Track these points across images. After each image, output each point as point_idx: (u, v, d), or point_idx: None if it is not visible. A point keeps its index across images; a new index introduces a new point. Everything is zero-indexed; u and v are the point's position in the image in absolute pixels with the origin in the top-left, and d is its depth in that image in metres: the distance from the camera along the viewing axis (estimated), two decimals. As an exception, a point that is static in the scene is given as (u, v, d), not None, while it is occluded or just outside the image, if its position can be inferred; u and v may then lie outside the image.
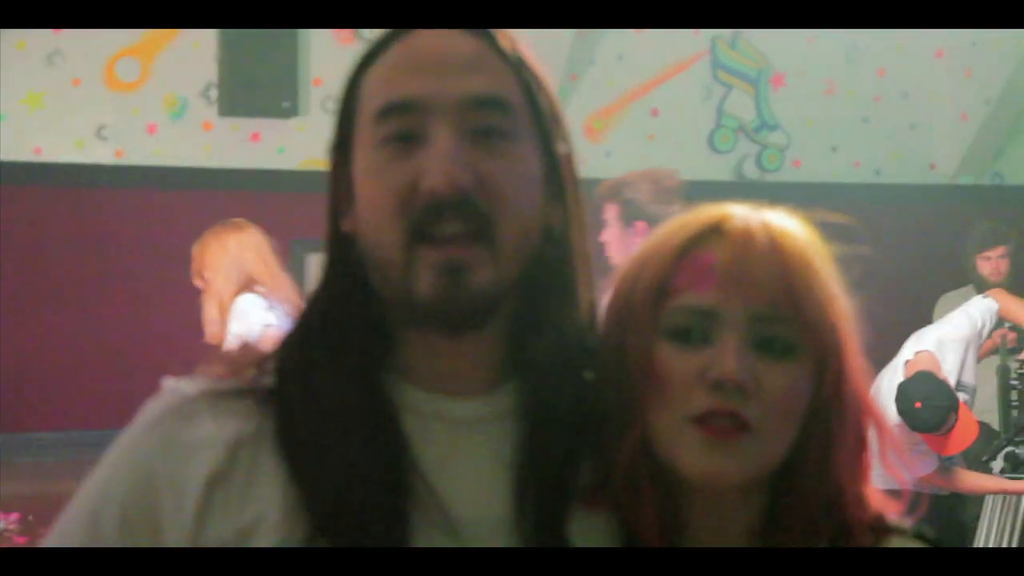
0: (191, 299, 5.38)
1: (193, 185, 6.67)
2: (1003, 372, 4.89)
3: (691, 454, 1.07)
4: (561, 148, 1.11)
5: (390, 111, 1.06)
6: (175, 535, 1.04)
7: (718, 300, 1.08)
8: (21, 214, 6.56)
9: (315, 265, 5.40)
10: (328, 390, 1.08)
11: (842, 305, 1.13)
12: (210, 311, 4.78)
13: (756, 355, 1.07)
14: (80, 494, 1.10)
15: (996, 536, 4.49)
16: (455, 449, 1.09)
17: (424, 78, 1.05)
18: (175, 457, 1.06)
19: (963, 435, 4.21)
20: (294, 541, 1.03)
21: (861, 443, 1.14)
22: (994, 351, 5.03)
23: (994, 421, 4.92)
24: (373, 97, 1.08)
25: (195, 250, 4.90)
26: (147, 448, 1.07)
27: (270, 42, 6.95)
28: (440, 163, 1.02)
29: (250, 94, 6.93)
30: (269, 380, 1.10)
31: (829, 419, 1.11)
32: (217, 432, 1.06)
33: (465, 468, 1.09)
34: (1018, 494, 4.46)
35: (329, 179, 1.13)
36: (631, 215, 3.92)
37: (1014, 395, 4.74)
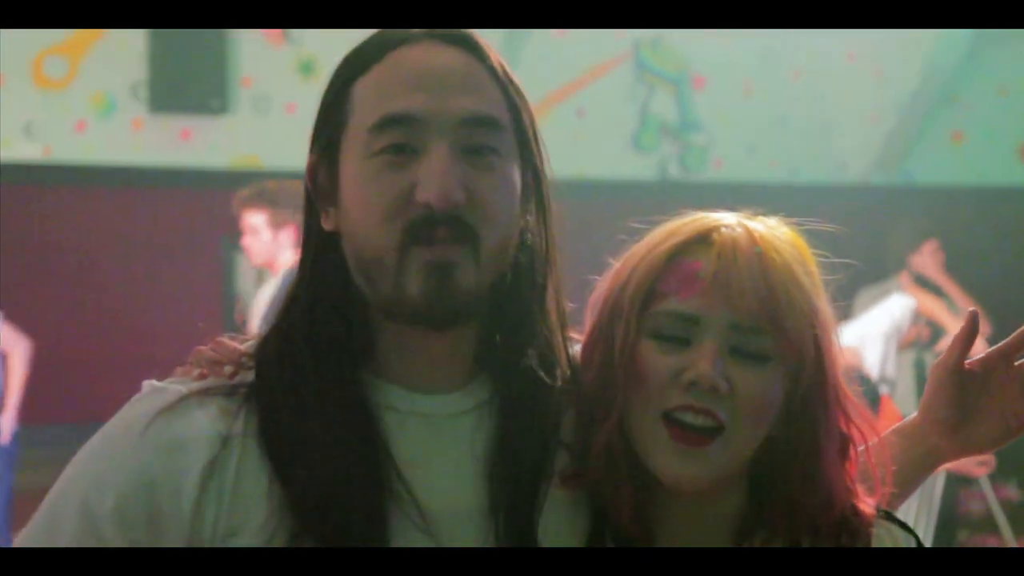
0: (121, 295, 5.40)
1: (123, 183, 6.66)
2: (919, 366, 5.09)
3: (661, 457, 1.12)
4: (539, 164, 1.17)
5: (388, 123, 1.09)
6: (174, 528, 1.07)
7: (700, 307, 1.13)
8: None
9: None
10: (307, 388, 1.10)
11: (823, 315, 1.16)
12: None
13: (732, 360, 1.12)
14: (63, 487, 1.11)
15: (912, 519, 4.68)
16: (431, 443, 1.12)
17: (421, 94, 1.09)
18: (171, 454, 1.07)
19: (886, 427, 4.37)
20: (279, 540, 1.06)
21: (844, 437, 1.18)
22: (911, 346, 5.23)
23: (913, 412, 5.10)
24: (368, 108, 1.11)
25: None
26: (141, 445, 1.08)
27: (199, 40, 6.95)
28: (436, 178, 1.07)
29: (179, 91, 6.93)
30: (249, 378, 1.12)
31: (811, 418, 1.15)
32: (209, 428, 1.08)
33: (442, 462, 1.12)
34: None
35: (309, 179, 1.15)
36: (280, 220, 4.15)
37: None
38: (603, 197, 6.34)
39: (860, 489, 1.19)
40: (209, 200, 6.09)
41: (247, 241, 4.25)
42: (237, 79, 7.17)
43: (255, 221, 4.19)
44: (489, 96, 1.12)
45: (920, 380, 5.10)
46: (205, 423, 1.09)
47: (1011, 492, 6.35)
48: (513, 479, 1.13)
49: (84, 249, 6.73)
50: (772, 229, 1.18)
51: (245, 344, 1.17)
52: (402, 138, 1.09)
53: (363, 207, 1.10)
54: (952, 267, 5.65)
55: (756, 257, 1.14)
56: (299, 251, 1.18)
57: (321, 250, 1.15)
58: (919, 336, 5.15)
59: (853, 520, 1.17)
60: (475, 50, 1.14)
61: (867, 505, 1.19)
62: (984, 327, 1.41)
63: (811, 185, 8.07)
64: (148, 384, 1.15)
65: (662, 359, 1.13)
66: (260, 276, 4.70)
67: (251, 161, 7.26)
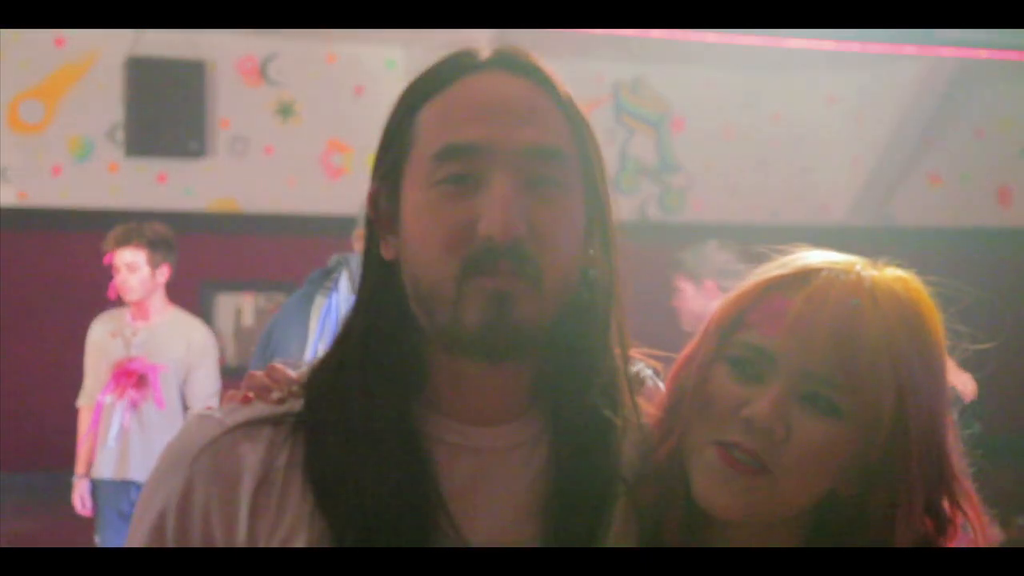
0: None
1: (99, 227, 6.62)
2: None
3: (703, 478, 1.10)
4: (605, 197, 1.15)
5: (451, 153, 1.07)
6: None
7: (777, 347, 1.09)
8: (-80, 256, 6.44)
9: (225, 307, 5.44)
10: (359, 420, 1.09)
11: (916, 383, 1.10)
12: None
13: (800, 405, 1.08)
14: (132, 531, 1.12)
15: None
16: (482, 476, 1.11)
17: (486, 124, 1.08)
18: (219, 486, 1.07)
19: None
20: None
21: (938, 521, 1.12)
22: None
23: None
24: (432, 137, 1.09)
25: None
26: (191, 479, 1.08)
27: (176, 83, 6.94)
28: (499, 210, 1.05)
29: (157, 134, 6.91)
30: (298, 406, 1.12)
31: (882, 488, 1.11)
32: (254, 460, 1.08)
33: (492, 495, 1.11)
34: None
35: (370, 207, 1.14)
36: (157, 260, 4.29)
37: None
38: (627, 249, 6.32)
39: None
40: (187, 244, 6.03)
41: (121, 278, 4.31)
42: (215, 121, 7.15)
43: (134, 258, 4.26)
44: (554, 127, 1.11)
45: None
46: (251, 455, 1.08)
47: (992, 531, 6.31)
48: (570, 514, 1.10)
49: (61, 294, 6.66)
50: (894, 283, 1.13)
51: (298, 371, 1.16)
52: (465, 168, 1.07)
53: (423, 237, 1.08)
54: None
55: (849, 309, 1.10)
56: (360, 279, 1.17)
57: (381, 278, 1.14)
58: None
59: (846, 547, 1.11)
60: (542, 80, 1.12)
61: None
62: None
63: (792, 226, 8.10)
64: (193, 414, 1.14)
65: (730, 387, 1.11)
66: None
67: (228, 204, 7.22)
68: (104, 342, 4.43)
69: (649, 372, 1.25)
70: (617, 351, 1.16)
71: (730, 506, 1.09)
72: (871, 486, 1.11)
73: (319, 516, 1.07)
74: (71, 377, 5.98)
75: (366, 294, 1.15)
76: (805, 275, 1.13)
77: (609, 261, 1.16)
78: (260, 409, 1.13)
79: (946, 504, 1.13)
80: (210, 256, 6.97)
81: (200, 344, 4.38)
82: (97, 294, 5.14)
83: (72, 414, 4.61)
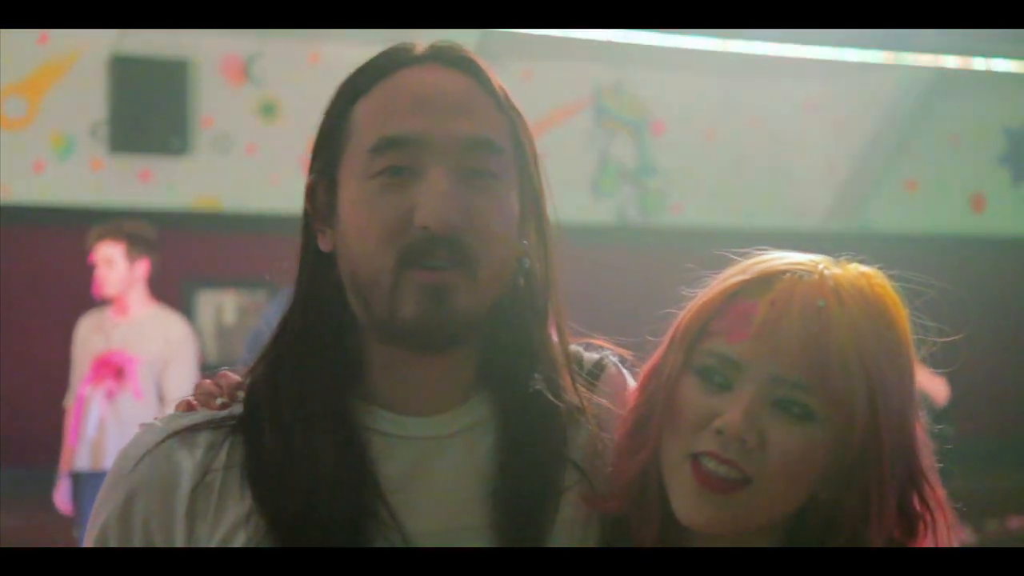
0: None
1: (82, 223, 6.63)
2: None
3: (681, 494, 1.08)
4: (539, 188, 1.16)
5: (387, 145, 1.08)
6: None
7: (744, 353, 1.07)
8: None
9: (206, 304, 5.50)
10: (293, 415, 1.09)
11: (887, 382, 1.08)
12: None
13: (772, 413, 1.06)
14: (87, 537, 1.13)
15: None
16: (424, 465, 1.11)
17: (422, 117, 1.08)
18: (157, 493, 1.09)
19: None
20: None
21: (908, 521, 1.11)
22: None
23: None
24: (368, 130, 1.10)
25: None
26: (131, 490, 1.10)
27: (160, 80, 6.95)
28: (435, 201, 1.06)
29: (140, 132, 6.91)
30: (239, 409, 1.12)
31: (863, 486, 1.08)
32: (191, 465, 1.09)
33: (435, 482, 1.11)
34: None
35: (307, 199, 1.14)
36: (135, 255, 4.36)
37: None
38: (563, 241, 6.37)
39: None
40: (169, 242, 6.06)
41: (100, 273, 4.38)
42: (197, 119, 7.17)
43: (111, 253, 4.36)
44: (489, 120, 1.12)
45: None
46: (187, 461, 1.10)
47: (966, 536, 6.42)
48: (518, 498, 1.11)
49: (42, 290, 6.67)
50: (858, 280, 1.11)
51: (244, 377, 1.16)
52: (401, 160, 1.08)
53: (360, 228, 1.09)
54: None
55: (816, 310, 1.07)
56: (296, 272, 1.16)
57: (317, 271, 1.14)
58: None
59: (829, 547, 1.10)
60: (477, 73, 1.13)
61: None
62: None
63: (769, 231, 8.14)
64: (143, 424, 1.15)
65: (699, 398, 1.09)
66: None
67: (211, 202, 7.25)
68: (87, 339, 4.48)
69: (613, 359, 1.24)
70: (555, 338, 1.17)
71: (711, 521, 1.08)
72: (847, 488, 1.09)
73: (256, 514, 1.07)
74: (53, 372, 5.99)
75: (303, 287, 1.15)
76: (768, 278, 1.10)
77: (544, 250, 1.17)
78: (200, 415, 1.13)
79: (916, 502, 1.11)
80: (192, 254, 6.99)
81: (178, 339, 4.42)
82: (79, 290, 5.16)
83: (54, 408, 4.63)
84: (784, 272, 1.10)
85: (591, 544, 1.14)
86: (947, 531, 1.13)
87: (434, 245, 1.07)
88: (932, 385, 4.91)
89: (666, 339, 1.15)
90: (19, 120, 6.80)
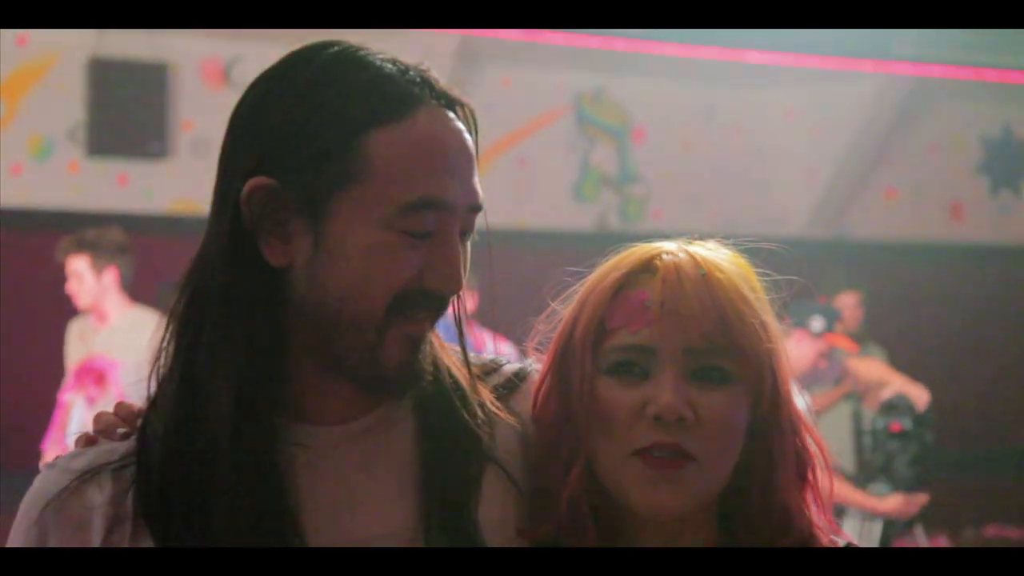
0: (54, 340, 5.31)
1: (59, 227, 6.58)
2: (856, 418, 5.23)
3: (636, 488, 1.10)
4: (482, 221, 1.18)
5: (425, 206, 1.07)
6: None
7: (653, 337, 1.11)
8: None
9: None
10: (202, 442, 1.05)
11: (773, 331, 1.15)
12: None
13: (694, 384, 1.11)
14: None
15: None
16: (345, 471, 1.11)
17: (452, 179, 1.09)
18: (69, 536, 1.07)
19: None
20: None
21: (801, 460, 1.16)
22: (846, 398, 5.33)
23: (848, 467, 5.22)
24: (397, 181, 1.07)
25: None
26: (42, 534, 1.08)
27: (139, 83, 6.90)
28: (451, 267, 1.09)
29: (118, 135, 6.87)
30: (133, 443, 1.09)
31: (769, 439, 1.14)
32: (100, 503, 1.07)
33: (356, 488, 1.10)
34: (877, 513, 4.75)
35: (250, 200, 1.07)
36: (101, 265, 4.44)
37: (867, 439, 5.04)
38: (543, 247, 6.37)
39: (817, 514, 1.16)
40: (146, 246, 6.02)
41: (72, 287, 4.39)
42: (177, 123, 7.13)
43: (78, 266, 4.36)
44: (476, 178, 1.14)
45: (858, 433, 5.21)
46: (98, 497, 1.07)
47: (943, 542, 6.45)
48: (440, 499, 1.11)
49: (19, 294, 6.61)
50: (713, 251, 1.19)
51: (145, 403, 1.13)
52: (431, 224, 1.09)
53: (367, 273, 1.07)
54: (883, 321, 5.75)
55: (701, 280, 1.14)
56: (212, 274, 1.09)
57: (252, 282, 1.08)
58: (818, 368, 5.16)
59: (811, 547, 1.13)
60: (472, 126, 1.14)
61: (824, 534, 1.16)
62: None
63: (748, 238, 8.14)
64: (44, 465, 1.13)
65: (623, 394, 1.11)
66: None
67: (190, 206, 7.20)
68: (74, 345, 4.50)
69: (536, 367, 1.24)
70: (458, 338, 1.19)
71: (670, 502, 1.10)
72: (755, 442, 1.14)
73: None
74: (29, 376, 5.94)
75: (231, 292, 1.08)
76: (646, 264, 1.16)
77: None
78: (101, 452, 1.10)
79: (803, 444, 1.17)
80: (171, 257, 6.93)
81: None
82: (56, 294, 5.12)
83: (29, 413, 4.60)
84: (660, 254, 1.16)
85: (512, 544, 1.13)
86: (829, 474, 1.19)
87: (435, 305, 1.10)
88: (913, 391, 4.93)
89: (547, 359, 1.18)
90: (-4, 122, 6.75)
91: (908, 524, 4.89)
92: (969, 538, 6.42)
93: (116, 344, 4.29)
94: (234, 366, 1.07)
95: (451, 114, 1.12)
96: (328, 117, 1.07)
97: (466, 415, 1.15)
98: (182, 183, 7.18)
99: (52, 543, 1.08)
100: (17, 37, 6.71)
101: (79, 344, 4.49)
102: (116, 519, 1.07)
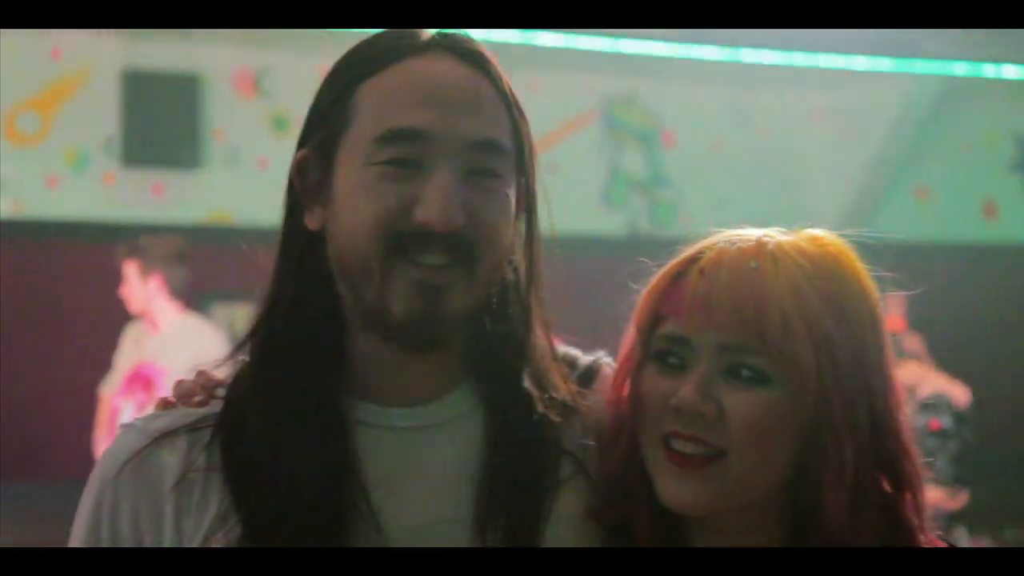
0: (91, 349, 5.36)
1: (95, 238, 6.66)
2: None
3: (661, 480, 1.08)
4: (533, 186, 1.17)
5: (395, 137, 1.06)
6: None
7: (689, 329, 1.08)
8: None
9: (220, 317, 5.54)
10: (279, 412, 1.08)
11: (835, 336, 1.07)
12: None
13: (726, 382, 1.07)
14: (70, 542, 1.13)
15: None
16: (408, 456, 1.11)
17: (432, 111, 1.07)
18: (143, 497, 1.09)
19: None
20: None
21: (896, 477, 1.09)
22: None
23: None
24: (374, 117, 1.08)
25: None
26: (117, 493, 1.10)
27: (171, 94, 6.98)
28: (439, 199, 1.05)
29: (152, 146, 6.95)
30: (219, 408, 1.12)
31: (821, 448, 1.07)
32: (172, 464, 1.09)
33: (419, 474, 1.10)
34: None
35: (297, 175, 1.13)
36: (148, 270, 4.52)
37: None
38: (573, 252, 6.38)
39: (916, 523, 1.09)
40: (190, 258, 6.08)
41: (124, 291, 4.56)
42: (209, 133, 7.20)
43: (128, 271, 4.41)
44: (497, 120, 1.11)
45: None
46: (171, 459, 1.10)
47: (986, 544, 6.40)
48: (509, 489, 1.10)
49: (57, 304, 6.69)
50: (804, 243, 1.13)
51: (226, 372, 1.16)
52: (407, 153, 1.07)
53: (355, 213, 1.08)
54: (917, 322, 5.72)
55: (747, 273, 1.09)
56: (279, 251, 1.15)
57: (303, 247, 1.13)
58: None
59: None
60: (487, 69, 1.12)
61: (924, 540, 1.10)
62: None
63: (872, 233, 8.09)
64: (121, 425, 1.16)
65: (658, 382, 1.10)
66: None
67: (223, 216, 7.27)
68: (128, 348, 4.60)
69: (608, 361, 1.25)
70: (540, 331, 1.17)
71: (694, 500, 1.08)
72: (808, 449, 1.08)
73: (235, 511, 1.07)
74: (66, 386, 6.01)
75: (288, 263, 1.13)
76: (700, 253, 1.13)
77: (531, 247, 1.17)
78: (179, 415, 1.13)
79: (898, 462, 1.09)
80: (205, 267, 7.01)
81: (207, 347, 4.46)
82: (95, 304, 5.18)
83: (65, 423, 4.66)
84: (715, 244, 1.13)
85: (589, 541, 1.13)
86: (919, 490, 1.11)
87: (431, 241, 1.05)
88: (952, 389, 4.91)
89: (627, 336, 1.16)
90: (33, 136, 6.83)
91: (949, 523, 4.86)
92: (1011, 540, 6.36)
93: (165, 351, 4.34)
94: (290, 332, 1.11)
95: (454, 59, 1.11)
96: (333, 80, 1.13)
97: (542, 406, 1.13)
98: (216, 193, 7.24)
99: (125, 504, 1.10)
100: (51, 52, 6.80)
101: (133, 348, 4.58)
102: (186, 477, 1.09)
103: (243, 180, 7.28)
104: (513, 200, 1.13)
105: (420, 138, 1.07)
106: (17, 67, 6.71)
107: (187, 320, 4.54)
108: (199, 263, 4.78)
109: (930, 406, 4.82)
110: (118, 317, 4.84)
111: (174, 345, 4.42)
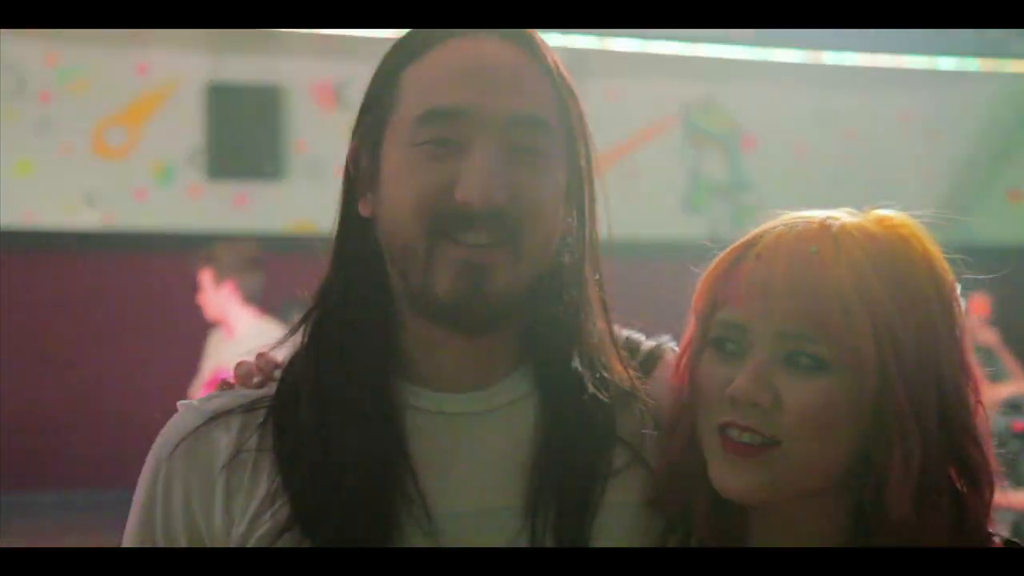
0: (178, 361, 5.45)
1: (181, 249, 6.78)
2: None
3: (715, 468, 1.06)
4: (585, 165, 1.13)
5: (435, 117, 1.06)
6: (212, 540, 1.10)
7: (746, 316, 1.05)
8: (11, 279, 6.63)
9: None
10: (332, 395, 1.08)
11: (899, 323, 1.02)
12: None
13: (784, 370, 1.03)
14: (128, 524, 1.15)
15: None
16: (460, 441, 1.10)
17: (471, 89, 1.06)
18: (195, 476, 1.11)
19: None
20: (287, 542, 1.06)
21: (968, 472, 1.05)
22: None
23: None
24: (416, 99, 1.08)
25: None
26: (171, 472, 1.12)
27: (254, 107, 7.09)
28: (479, 177, 1.04)
29: (236, 158, 7.06)
30: (272, 389, 1.13)
31: (884, 437, 1.03)
32: (225, 444, 1.10)
33: (471, 459, 1.09)
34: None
35: (349, 162, 1.14)
36: (220, 278, 4.58)
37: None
38: (656, 258, 6.34)
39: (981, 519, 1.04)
40: (267, 264, 6.16)
41: (200, 298, 4.67)
42: (291, 144, 7.29)
43: (203, 279, 4.56)
44: (540, 96, 1.09)
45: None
46: (224, 439, 1.11)
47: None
48: (561, 476, 1.08)
49: (144, 315, 6.82)
50: (871, 225, 1.07)
51: (285, 355, 1.17)
52: (447, 132, 1.06)
53: (399, 195, 1.08)
54: (1009, 323, 5.59)
55: (807, 259, 1.04)
56: (335, 238, 1.15)
57: (357, 235, 1.14)
58: None
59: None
60: (531, 46, 1.11)
61: (987, 537, 1.06)
62: None
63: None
64: (181, 404, 1.17)
65: (716, 369, 1.07)
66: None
67: (306, 226, 7.35)
68: (210, 351, 4.71)
69: (671, 346, 1.22)
70: (599, 315, 1.15)
71: (747, 490, 1.05)
72: (874, 439, 1.04)
73: (283, 491, 1.07)
74: (153, 396, 6.12)
75: (343, 251, 1.14)
76: (759, 236, 1.09)
77: (586, 230, 1.14)
78: (235, 396, 1.15)
79: (969, 454, 1.04)
80: (291, 275, 7.08)
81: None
82: (182, 313, 5.27)
83: (153, 431, 4.74)
84: (775, 227, 1.08)
85: (644, 530, 1.11)
86: (989, 485, 1.06)
87: (474, 221, 1.04)
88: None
89: (688, 321, 1.13)
90: (120, 149, 6.98)
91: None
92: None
93: (239, 356, 4.40)
94: (344, 317, 1.12)
95: (496, 38, 1.09)
96: (380, 69, 1.14)
97: (592, 387, 1.11)
98: (298, 203, 7.33)
99: (178, 482, 1.11)
100: (137, 67, 6.95)
101: (213, 354, 4.70)
102: (238, 457, 1.10)
103: (325, 190, 7.34)
104: (562, 179, 1.11)
105: (460, 116, 1.06)
106: (105, 83, 6.86)
107: (260, 325, 4.59)
108: (283, 271, 4.83)
109: (1014, 407, 4.70)
110: (205, 324, 4.92)
111: (247, 348, 4.48)
